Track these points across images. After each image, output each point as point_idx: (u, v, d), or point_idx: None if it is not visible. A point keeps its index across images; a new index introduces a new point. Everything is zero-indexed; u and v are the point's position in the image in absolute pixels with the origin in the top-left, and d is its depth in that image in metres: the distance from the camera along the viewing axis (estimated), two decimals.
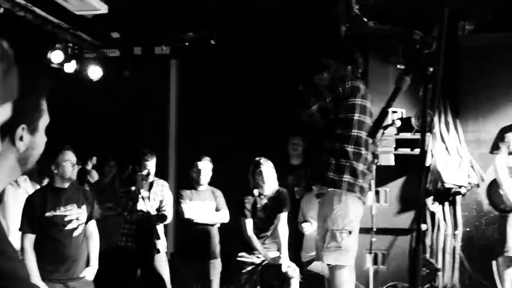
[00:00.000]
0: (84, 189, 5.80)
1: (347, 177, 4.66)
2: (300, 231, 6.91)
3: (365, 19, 7.30)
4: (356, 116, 4.77)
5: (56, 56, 8.55)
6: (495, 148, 6.39)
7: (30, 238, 5.19)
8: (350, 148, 4.74)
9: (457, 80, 7.58)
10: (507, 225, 6.27)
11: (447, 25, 1.76)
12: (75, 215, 5.36)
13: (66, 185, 5.37)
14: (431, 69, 1.74)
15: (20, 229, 5.20)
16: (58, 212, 5.27)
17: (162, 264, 6.69)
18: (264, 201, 6.43)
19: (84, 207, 5.44)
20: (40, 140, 1.74)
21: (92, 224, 5.60)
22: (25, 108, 1.66)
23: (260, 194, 6.44)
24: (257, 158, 6.45)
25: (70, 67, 8.89)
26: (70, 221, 5.32)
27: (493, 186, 6.41)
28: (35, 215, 5.21)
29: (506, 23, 7.44)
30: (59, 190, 5.34)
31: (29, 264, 5.00)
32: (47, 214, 5.23)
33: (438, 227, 7.34)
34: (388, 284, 7.14)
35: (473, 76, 7.38)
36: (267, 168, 6.39)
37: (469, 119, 7.24)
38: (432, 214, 7.39)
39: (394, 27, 7.45)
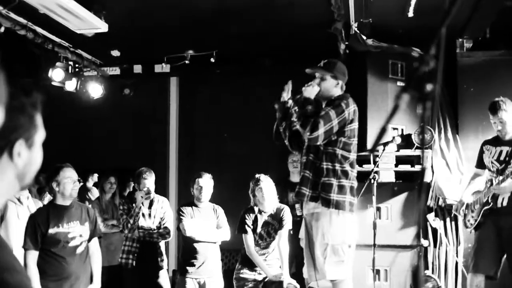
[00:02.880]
0: (87, 206, 5.81)
1: (348, 197, 4.84)
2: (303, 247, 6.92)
3: (364, 37, 7.39)
4: (355, 141, 5.00)
5: (57, 74, 8.58)
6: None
7: (34, 255, 5.19)
8: (349, 169, 4.92)
9: (456, 97, 7.61)
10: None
11: (445, 43, 1.77)
12: (78, 232, 5.37)
13: (68, 202, 5.39)
14: (429, 87, 1.75)
15: (23, 246, 5.21)
16: (61, 229, 5.28)
17: (163, 281, 6.68)
18: (265, 218, 6.43)
19: (87, 224, 5.46)
20: (37, 155, 1.75)
21: (95, 241, 5.61)
22: (22, 123, 1.67)
23: (260, 211, 6.44)
24: (257, 175, 6.46)
25: (71, 85, 8.92)
26: (73, 238, 5.33)
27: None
28: (38, 232, 5.21)
29: (503, 41, 7.48)
30: (61, 208, 5.35)
31: (32, 280, 4.99)
32: (50, 231, 5.23)
33: (440, 243, 7.33)
34: None
35: (473, 93, 7.40)
36: (267, 185, 6.39)
37: (469, 136, 7.24)
38: (434, 230, 7.39)
39: (393, 45, 7.54)
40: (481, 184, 6.16)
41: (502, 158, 5.87)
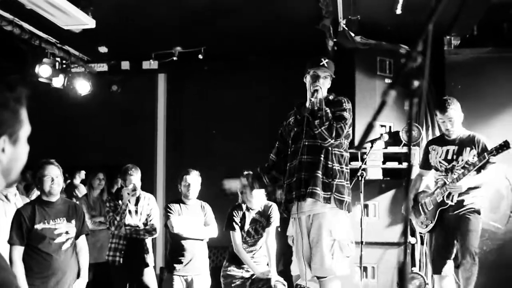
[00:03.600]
0: (74, 203, 5.78)
1: (349, 198, 4.93)
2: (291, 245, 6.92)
3: (352, 34, 7.39)
4: (348, 141, 5.00)
5: (44, 71, 8.54)
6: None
7: (19, 250, 5.16)
8: (347, 170, 4.99)
9: (443, 94, 7.63)
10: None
11: (433, 40, 1.77)
12: (64, 229, 5.34)
13: (54, 199, 5.37)
14: (416, 83, 1.75)
15: (8, 241, 5.18)
16: (47, 225, 5.25)
17: (150, 278, 6.66)
18: (253, 215, 6.42)
19: (73, 221, 5.43)
20: (22, 151, 1.73)
21: (82, 238, 5.58)
22: (5, 119, 1.65)
23: (248, 208, 6.43)
24: (245, 172, 6.44)
25: (58, 81, 8.88)
26: (59, 235, 5.30)
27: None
28: (24, 227, 5.19)
29: (490, 39, 7.51)
30: (48, 204, 5.34)
31: (17, 276, 4.96)
32: (36, 226, 5.21)
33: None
34: None
35: (460, 90, 7.43)
36: None
37: None
38: None
39: (381, 42, 7.55)
40: (425, 185, 6.20)
41: (449, 157, 5.90)
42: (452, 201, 5.78)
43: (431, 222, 5.97)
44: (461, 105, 5.98)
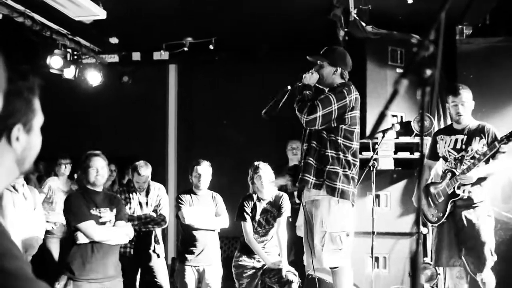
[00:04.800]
0: (115, 194, 5.84)
1: (351, 187, 4.86)
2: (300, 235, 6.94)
3: (363, 24, 7.36)
4: (357, 129, 4.97)
5: (55, 62, 8.56)
6: None
7: (92, 223, 5.27)
8: (351, 159, 4.93)
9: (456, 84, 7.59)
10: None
11: (445, 29, 1.75)
12: (108, 218, 5.44)
13: (98, 189, 5.47)
14: (428, 72, 1.74)
15: (79, 221, 5.24)
16: (94, 212, 5.35)
17: (161, 269, 6.69)
18: (264, 205, 6.43)
19: (114, 211, 5.52)
20: (36, 140, 1.74)
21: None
22: (19, 108, 1.66)
23: (259, 199, 6.44)
24: (256, 163, 6.45)
25: (69, 72, 8.91)
26: (104, 223, 5.39)
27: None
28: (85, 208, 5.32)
29: (503, 28, 7.45)
30: (93, 193, 5.42)
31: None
32: (91, 211, 5.35)
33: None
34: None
35: (472, 79, 7.38)
36: (266, 173, 6.39)
37: None
38: None
39: (392, 32, 7.51)
40: (432, 176, 6.14)
41: (458, 146, 5.80)
42: (463, 192, 5.72)
43: (442, 215, 5.90)
44: (473, 95, 5.93)
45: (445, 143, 5.91)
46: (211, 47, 8.77)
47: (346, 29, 7.46)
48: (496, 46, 7.42)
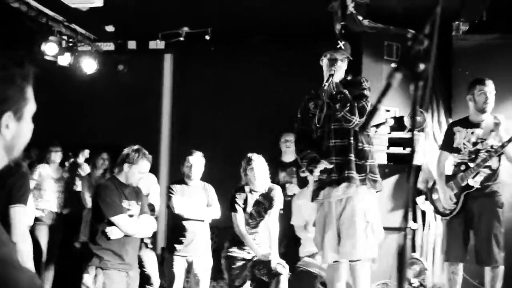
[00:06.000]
0: (139, 188, 5.81)
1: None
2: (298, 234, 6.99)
3: (360, 17, 7.35)
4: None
5: (50, 48, 8.52)
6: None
7: (124, 216, 5.37)
8: (373, 150, 5.11)
9: (450, 80, 7.60)
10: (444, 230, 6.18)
11: (441, 25, 1.75)
12: (135, 211, 5.51)
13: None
14: (422, 66, 1.73)
15: (115, 214, 5.30)
16: (124, 205, 5.42)
17: (149, 259, 6.69)
18: (256, 197, 6.42)
19: (140, 203, 5.59)
20: (27, 128, 1.74)
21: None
22: (11, 95, 1.65)
23: (251, 190, 6.43)
24: (249, 154, 6.44)
25: (64, 60, 8.87)
26: (131, 216, 5.46)
27: (434, 187, 6.29)
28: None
29: (498, 24, 7.46)
30: (123, 184, 5.48)
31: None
32: (122, 204, 5.41)
33: (429, 226, 7.34)
34: (379, 282, 7.16)
35: (468, 76, 7.38)
36: (260, 165, 6.37)
37: None
38: (423, 213, 7.40)
39: (388, 26, 7.51)
40: (448, 169, 6.15)
41: (473, 140, 5.83)
42: (476, 184, 5.74)
43: (455, 208, 5.92)
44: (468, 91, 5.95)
45: (461, 135, 5.92)
46: (207, 37, 8.74)
47: (343, 23, 7.46)
48: (492, 43, 7.44)
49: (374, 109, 1.66)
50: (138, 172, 5.46)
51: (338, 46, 5.04)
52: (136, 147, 5.55)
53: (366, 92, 4.95)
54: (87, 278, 5.22)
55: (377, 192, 5.05)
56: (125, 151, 5.58)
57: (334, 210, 4.99)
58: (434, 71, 7.36)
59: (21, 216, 3.75)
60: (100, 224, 5.34)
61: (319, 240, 5.15)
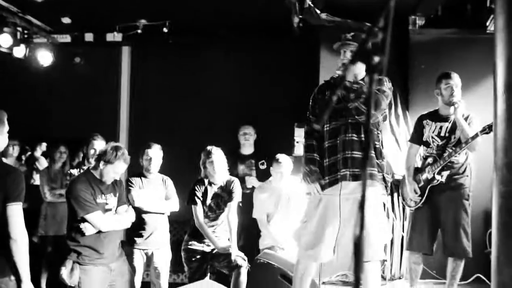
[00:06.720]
0: (119, 180, 5.73)
1: None
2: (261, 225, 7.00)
3: (318, 11, 7.38)
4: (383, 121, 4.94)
5: (4, 40, 8.36)
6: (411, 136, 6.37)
7: (98, 213, 5.30)
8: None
9: (407, 74, 7.70)
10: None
11: (397, 19, 1.78)
12: (113, 204, 5.48)
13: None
14: (377, 59, 1.75)
15: (87, 212, 5.25)
16: (100, 201, 5.37)
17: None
18: (215, 190, 6.43)
19: (117, 196, 5.55)
20: None
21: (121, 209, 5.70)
22: None
23: (210, 183, 6.44)
24: (208, 147, 6.44)
25: (19, 51, 8.71)
26: (109, 210, 5.43)
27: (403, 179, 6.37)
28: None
29: (453, 19, 7.58)
30: (98, 180, 5.42)
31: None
32: (97, 200, 5.34)
33: (387, 218, 7.42)
34: (338, 274, 7.23)
35: (424, 70, 7.50)
36: (219, 158, 6.38)
37: (420, 112, 7.30)
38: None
39: (346, 20, 7.56)
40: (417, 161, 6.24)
41: (442, 134, 5.92)
42: (442, 177, 5.83)
43: (420, 200, 5.99)
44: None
45: (430, 128, 5.99)
46: (165, 30, 8.68)
47: (300, 16, 7.48)
48: (447, 38, 7.57)
49: (327, 102, 1.66)
50: (113, 172, 5.39)
51: (346, 38, 5.03)
52: (114, 145, 5.48)
53: (384, 88, 4.76)
54: (64, 272, 5.22)
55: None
56: (104, 147, 5.56)
57: (339, 207, 4.81)
58: (390, 64, 7.43)
59: (19, 214, 3.82)
60: (74, 221, 5.30)
61: (311, 235, 4.98)
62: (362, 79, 4.92)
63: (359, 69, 4.90)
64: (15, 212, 3.80)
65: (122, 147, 5.48)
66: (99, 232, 5.30)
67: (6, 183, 3.81)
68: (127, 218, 5.62)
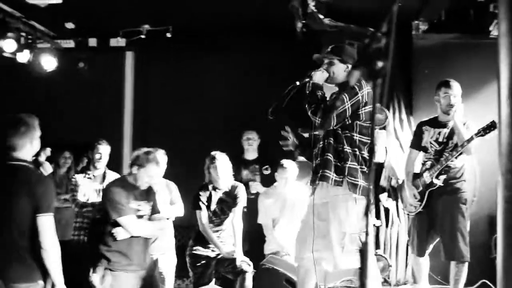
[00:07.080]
0: (151, 187, 5.78)
1: (369, 185, 4.72)
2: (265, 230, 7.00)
3: (321, 16, 7.38)
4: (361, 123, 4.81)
5: (8, 45, 8.36)
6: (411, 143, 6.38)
7: (131, 217, 5.41)
8: (367, 155, 4.78)
9: (411, 78, 7.69)
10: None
11: (401, 24, 1.78)
12: (145, 211, 5.56)
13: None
14: (380, 64, 1.75)
15: (120, 215, 5.35)
16: (132, 206, 5.44)
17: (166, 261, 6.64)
18: (219, 195, 6.44)
19: (151, 203, 5.64)
20: None
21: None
22: None
23: (215, 188, 6.44)
24: (213, 153, 6.45)
25: (23, 57, 8.72)
26: (141, 217, 5.50)
27: (403, 184, 6.36)
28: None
29: (456, 24, 7.58)
30: (133, 186, 5.52)
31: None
32: (130, 205, 5.43)
33: (392, 223, 7.41)
34: (343, 279, 7.20)
35: (427, 74, 7.50)
36: (223, 163, 6.39)
37: (423, 117, 7.30)
38: (386, 210, 7.47)
39: (349, 25, 7.56)
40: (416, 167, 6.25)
41: (440, 139, 5.95)
42: (440, 182, 5.83)
43: (420, 204, 6.00)
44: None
45: (429, 134, 6.03)
46: (168, 35, 8.69)
47: (303, 21, 7.48)
48: (450, 43, 7.57)
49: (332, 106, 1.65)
50: (146, 176, 5.48)
51: (326, 50, 4.97)
52: (146, 150, 5.59)
53: (344, 95, 4.63)
54: (95, 277, 5.31)
55: (358, 197, 4.71)
56: (136, 153, 5.63)
57: (317, 212, 4.80)
58: (394, 69, 7.43)
59: (50, 224, 3.89)
60: (107, 225, 5.38)
61: (299, 238, 5.05)
62: (341, 84, 4.88)
63: (337, 73, 4.89)
64: (46, 223, 3.87)
65: (153, 151, 5.59)
66: (131, 238, 5.38)
67: (37, 192, 3.88)
68: (157, 226, 5.73)
